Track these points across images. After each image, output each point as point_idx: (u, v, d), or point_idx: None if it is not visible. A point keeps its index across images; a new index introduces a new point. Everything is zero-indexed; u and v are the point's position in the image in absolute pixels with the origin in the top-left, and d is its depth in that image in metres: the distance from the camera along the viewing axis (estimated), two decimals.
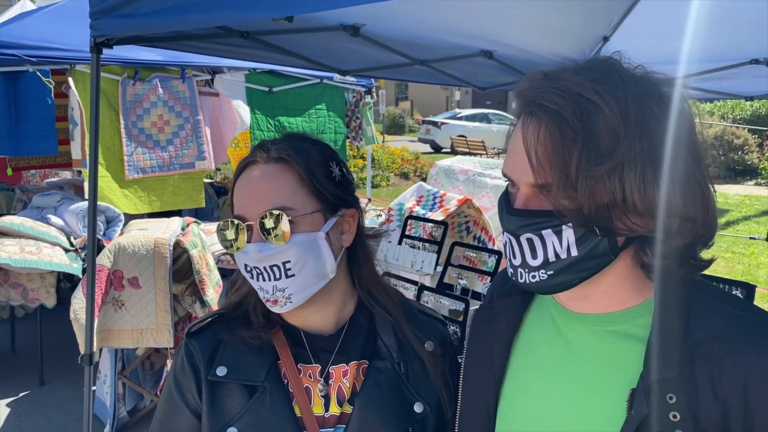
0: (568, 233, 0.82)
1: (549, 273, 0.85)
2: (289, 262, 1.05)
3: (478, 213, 4.59)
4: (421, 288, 2.38)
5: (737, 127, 13.40)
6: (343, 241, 1.15)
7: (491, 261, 2.75)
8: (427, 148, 21.09)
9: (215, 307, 3.44)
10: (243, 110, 5.11)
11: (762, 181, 12.92)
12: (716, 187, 0.87)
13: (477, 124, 21.74)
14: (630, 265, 0.87)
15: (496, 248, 3.22)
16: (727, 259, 7.61)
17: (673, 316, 0.83)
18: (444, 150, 20.16)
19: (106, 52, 2.19)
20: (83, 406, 2.33)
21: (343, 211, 1.14)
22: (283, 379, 1.12)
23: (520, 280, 0.89)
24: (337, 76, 5.54)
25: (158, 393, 3.64)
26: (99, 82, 2.22)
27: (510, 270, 0.91)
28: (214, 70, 5.07)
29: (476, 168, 5.61)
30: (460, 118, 22.13)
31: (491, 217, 4.97)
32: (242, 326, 1.15)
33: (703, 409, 0.78)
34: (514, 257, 0.88)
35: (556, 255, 0.83)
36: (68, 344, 4.36)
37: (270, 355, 1.13)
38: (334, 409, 1.11)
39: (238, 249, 1.08)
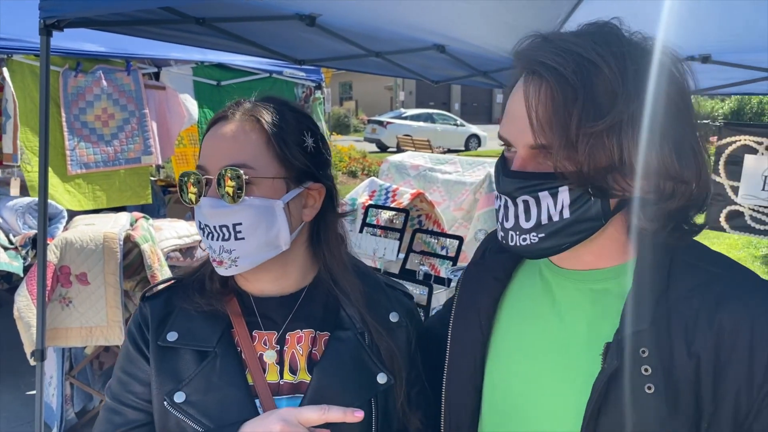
0: (564, 195, 0.83)
1: (540, 236, 0.85)
2: (240, 224, 1.02)
3: (430, 207, 4.66)
4: (384, 274, 2.40)
5: None
6: (305, 215, 1.11)
7: (445, 251, 2.79)
8: (374, 147, 21.16)
9: None
10: (191, 104, 5.00)
11: None
12: (708, 168, 0.87)
13: (422, 123, 22.01)
14: (620, 229, 0.89)
15: (456, 234, 3.28)
16: None
17: (653, 274, 0.85)
18: (390, 149, 20.27)
19: None
20: (29, 408, 2.24)
21: (309, 183, 1.10)
22: (237, 346, 1.09)
23: (510, 243, 0.89)
24: (286, 71, 5.49)
25: None
26: (48, 67, 2.14)
27: (500, 233, 0.91)
28: (160, 64, 4.94)
29: (427, 163, 5.69)
30: (405, 118, 22.33)
31: (443, 211, 5.05)
32: (197, 293, 1.12)
33: (677, 364, 0.80)
34: (507, 220, 0.88)
35: (549, 217, 0.84)
36: (7, 347, 4.17)
37: (223, 322, 1.10)
38: (288, 377, 1.09)
39: (195, 201, 1.05)
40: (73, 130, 4.32)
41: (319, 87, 5.85)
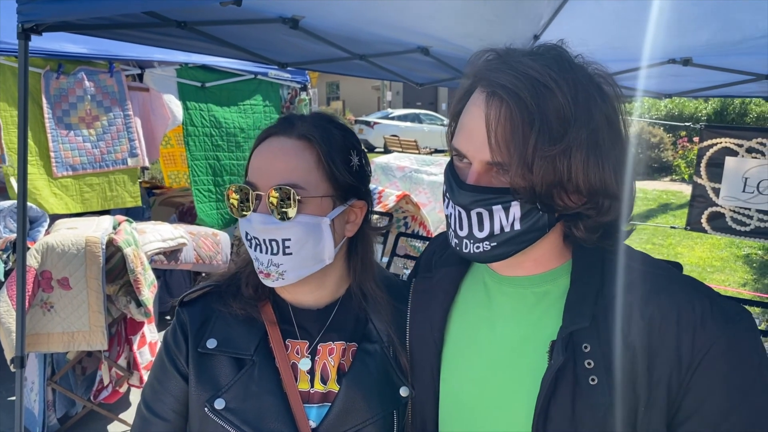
0: (516, 209, 0.88)
1: (492, 244, 0.91)
2: (289, 240, 1.05)
3: (416, 208, 4.66)
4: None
5: (654, 126, 14.15)
6: (347, 230, 1.16)
7: None
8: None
9: (151, 307, 3.33)
10: (175, 105, 4.96)
11: (676, 177, 13.69)
12: (635, 183, 0.96)
13: (409, 123, 21.99)
14: (558, 237, 0.97)
15: None
16: (648, 249, 8.04)
17: (590, 276, 0.93)
18: (377, 149, 20.25)
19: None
20: (10, 414, 2.21)
21: (353, 201, 1.14)
22: (272, 354, 1.13)
23: (464, 250, 0.94)
24: (271, 72, 5.47)
25: (91, 398, 3.49)
26: (27, 72, 2.12)
27: (454, 240, 0.96)
28: (143, 65, 4.91)
29: (413, 165, 5.69)
30: (392, 118, 22.30)
31: (428, 212, 5.06)
32: (232, 297, 1.16)
33: (616, 355, 0.87)
34: (461, 229, 0.93)
35: (501, 228, 0.90)
36: None
37: (260, 330, 1.14)
38: (318, 386, 1.12)
39: (243, 215, 1.07)
40: (57, 132, 4.28)
41: (304, 88, 5.83)
